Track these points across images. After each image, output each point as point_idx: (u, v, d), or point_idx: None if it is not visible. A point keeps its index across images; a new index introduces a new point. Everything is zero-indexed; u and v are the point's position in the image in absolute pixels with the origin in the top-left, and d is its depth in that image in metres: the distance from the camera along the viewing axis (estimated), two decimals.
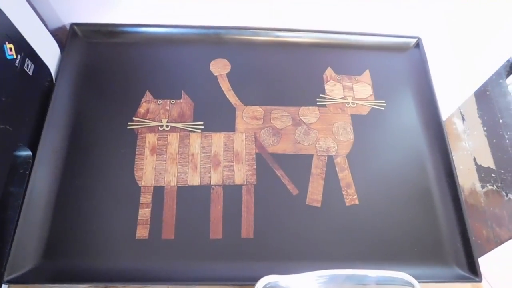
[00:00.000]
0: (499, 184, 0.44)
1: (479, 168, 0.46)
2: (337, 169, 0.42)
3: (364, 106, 0.46)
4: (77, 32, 0.46)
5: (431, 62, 0.50)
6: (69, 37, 0.45)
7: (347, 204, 0.40)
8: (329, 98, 0.46)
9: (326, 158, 0.43)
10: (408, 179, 0.42)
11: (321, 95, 0.46)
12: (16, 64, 0.36)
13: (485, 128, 0.51)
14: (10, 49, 0.35)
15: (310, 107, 0.45)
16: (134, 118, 0.43)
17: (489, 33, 0.53)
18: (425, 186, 0.42)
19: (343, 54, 0.50)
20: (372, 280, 0.33)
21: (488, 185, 0.46)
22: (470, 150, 0.49)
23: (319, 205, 0.40)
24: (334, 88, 0.47)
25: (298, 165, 0.42)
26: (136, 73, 0.46)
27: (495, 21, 0.50)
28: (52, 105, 0.41)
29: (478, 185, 0.46)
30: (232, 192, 0.40)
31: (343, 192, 0.41)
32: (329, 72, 0.48)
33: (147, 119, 0.43)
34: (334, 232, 0.39)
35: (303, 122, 0.44)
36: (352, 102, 0.46)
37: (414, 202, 0.41)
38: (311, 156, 0.43)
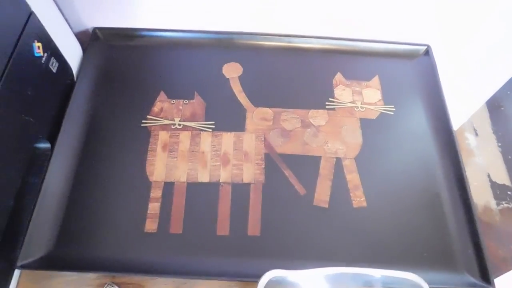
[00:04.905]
0: None
1: (494, 185, 0.45)
2: (345, 171, 0.42)
3: (373, 111, 0.47)
4: (99, 35, 0.49)
5: (441, 70, 0.51)
6: (91, 39, 0.48)
7: (354, 206, 0.40)
8: (338, 102, 0.47)
9: (334, 160, 0.43)
10: (418, 184, 0.42)
11: (330, 98, 0.47)
12: (42, 62, 0.38)
13: (499, 144, 0.50)
14: (38, 47, 0.37)
15: (319, 110, 0.46)
16: (148, 116, 0.44)
17: (498, 42, 0.53)
18: (435, 191, 0.42)
19: (352, 60, 0.50)
20: (379, 281, 0.33)
21: (503, 202, 0.45)
22: (483, 166, 0.48)
23: (326, 205, 0.40)
24: (343, 92, 0.48)
25: (306, 166, 0.42)
26: (152, 74, 0.48)
27: (504, 30, 0.50)
28: (72, 102, 0.43)
29: (493, 203, 0.45)
30: (240, 190, 0.40)
31: (351, 194, 0.41)
32: (338, 77, 0.49)
33: (160, 118, 0.44)
34: (341, 233, 0.39)
35: (312, 124, 0.45)
36: (361, 106, 0.47)
37: (423, 207, 0.41)
38: (319, 157, 0.43)
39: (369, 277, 0.33)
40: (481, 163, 0.49)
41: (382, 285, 0.33)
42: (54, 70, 0.40)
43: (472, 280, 0.37)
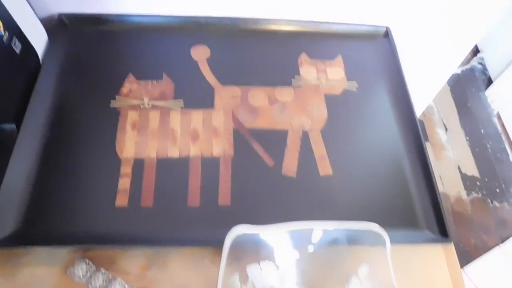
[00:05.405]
0: (484, 192, 0.46)
1: (464, 177, 0.48)
2: (311, 143, 0.44)
3: (337, 87, 0.49)
4: (65, 21, 0.49)
5: (404, 51, 0.54)
6: (57, 25, 0.48)
7: (321, 174, 0.42)
8: (303, 79, 0.49)
9: (301, 132, 0.45)
10: (380, 153, 0.44)
11: (296, 76, 0.49)
12: (4, 41, 0.38)
13: (467, 138, 0.53)
14: None
15: (286, 87, 0.48)
16: (116, 97, 0.45)
17: (455, 21, 0.56)
18: (397, 158, 0.44)
19: (316, 42, 0.53)
20: (344, 236, 0.34)
21: (473, 192, 0.48)
22: (454, 159, 0.51)
23: (294, 175, 0.42)
24: (308, 70, 0.50)
25: (274, 139, 0.44)
26: (120, 58, 0.48)
27: (460, 9, 0.54)
28: (38, 84, 0.43)
29: (463, 193, 0.48)
30: (210, 163, 0.41)
31: (317, 164, 0.43)
32: (303, 56, 0.51)
33: (129, 98, 0.45)
34: (309, 200, 0.40)
35: (279, 100, 0.47)
36: (325, 83, 0.49)
37: (386, 174, 0.43)
38: (287, 131, 0.45)
39: (334, 233, 0.34)
40: (452, 157, 0.52)
41: (347, 241, 0.35)
42: (18, 51, 0.40)
43: (432, 235, 0.40)
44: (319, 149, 0.44)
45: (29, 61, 0.43)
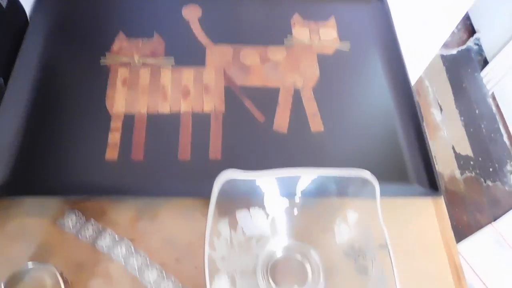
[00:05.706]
0: (478, 171, 0.46)
1: (458, 156, 0.48)
2: (303, 100, 0.44)
3: (329, 47, 0.49)
4: None
5: (397, 15, 0.53)
6: None
7: (312, 130, 0.42)
8: (296, 39, 0.48)
9: (293, 90, 0.44)
10: (372, 109, 0.44)
11: (288, 35, 0.49)
12: None
13: (462, 118, 0.54)
14: None
15: (278, 46, 0.47)
16: (107, 54, 0.44)
17: None
18: (388, 114, 0.44)
19: (309, 2, 0.52)
20: (334, 185, 0.34)
21: (467, 172, 0.48)
22: (448, 139, 0.52)
23: (285, 131, 0.42)
24: (301, 30, 0.49)
25: (265, 96, 0.44)
26: (110, 17, 0.47)
27: None
28: (26, 40, 0.42)
29: (457, 172, 0.48)
30: (201, 119, 0.41)
31: (309, 120, 0.43)
32: (296, 17, 0.50)
33: (119, 55, 0.44)
34: (300, 155, 0.40)
35: (271, 59, 0.46)
36: (318, 43, 0.49)
37: (377, 130, 0.43)
38: (278, 88, 0.44)
39: (324, 181, 0.34)
40: (446, 136, 0.52)
41: (337, 190, 0.35)
42: (4, 5, 0.39)
43: (423, 189, 0.40)
44: (310, 106, 0.43)
45: (16, 16, 0.43)
